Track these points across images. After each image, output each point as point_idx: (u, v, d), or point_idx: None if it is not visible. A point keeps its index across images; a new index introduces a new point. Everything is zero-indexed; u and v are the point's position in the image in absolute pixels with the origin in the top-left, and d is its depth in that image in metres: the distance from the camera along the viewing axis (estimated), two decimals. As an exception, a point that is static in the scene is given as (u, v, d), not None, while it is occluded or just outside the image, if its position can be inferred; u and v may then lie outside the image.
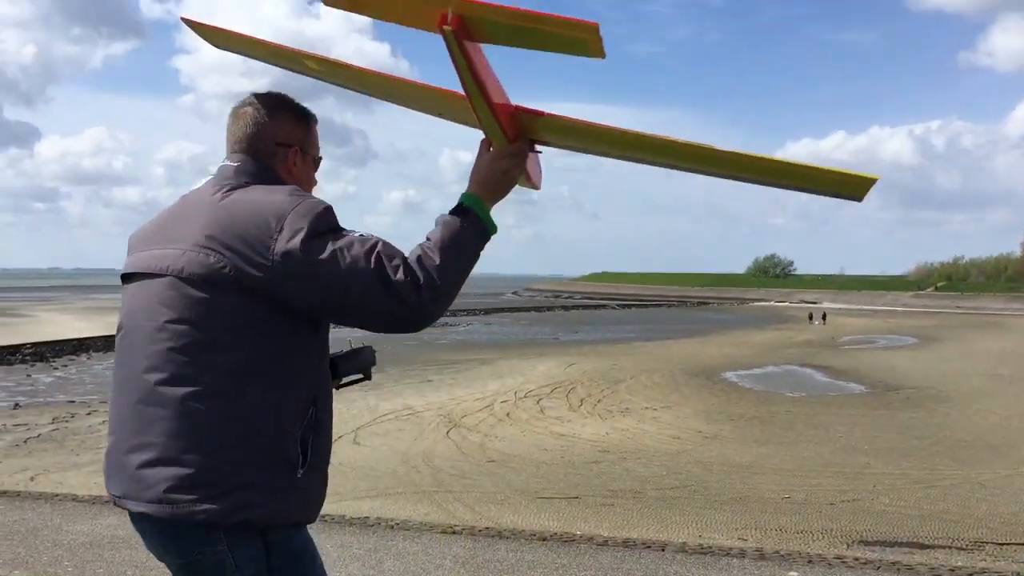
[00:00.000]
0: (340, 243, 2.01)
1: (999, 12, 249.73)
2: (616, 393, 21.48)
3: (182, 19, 2.71)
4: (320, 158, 2.39)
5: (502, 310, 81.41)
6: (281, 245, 1.99)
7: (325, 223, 2.04)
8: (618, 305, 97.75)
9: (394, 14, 2.02)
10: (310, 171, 2.35)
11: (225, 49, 2.82)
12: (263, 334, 2.04)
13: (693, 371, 27.09)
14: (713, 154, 2.15)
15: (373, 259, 1.99)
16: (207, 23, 2.68)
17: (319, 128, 2.41)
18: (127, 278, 2.24)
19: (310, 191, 2.30)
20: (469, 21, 1.90)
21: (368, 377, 2.44)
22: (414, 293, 2.01)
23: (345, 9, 2.00)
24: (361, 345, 2.44)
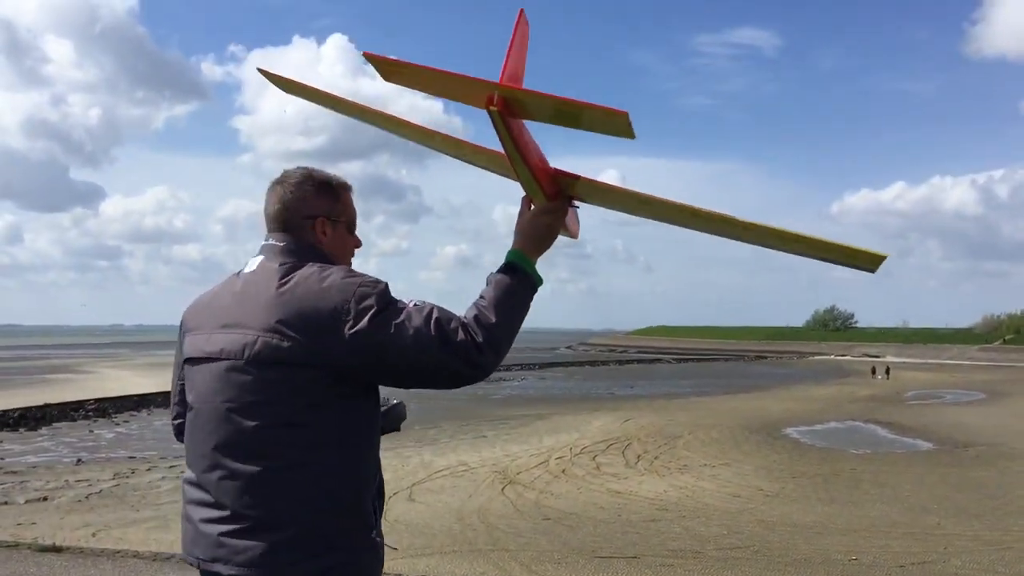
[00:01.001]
0: (401, 317, 2.18)
1: None
2: (673, 449, 21.12)
3: (258, 69, 3.08)
4: (354, 222, 2.56)
5: (556, 365, 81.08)
6: (350, 327, 2.16)
7: (384, 301, 2.21)
8: (673, 359, 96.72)
9: (446, 92, 2.34)
10: (343, 237, 2.51)
11: (297, 95, 3.12)
12: (335, 408, 2.21)
13: (753, 427, 26.55)
14: (733, 222, 2.36)
15: (433, 325, 2.17)
16: (281, 75, 3.02)
17: (355, 192, 2.59)
18: (194, 360, 2.37)
19: (348, 255, 2.53)
20: (512, 102, 2.17)
21: (398, 430, 2.69)
22: (475, 352, 2.19)
23: (402, 85, 2.32)
24: (396, 401, 2.64)
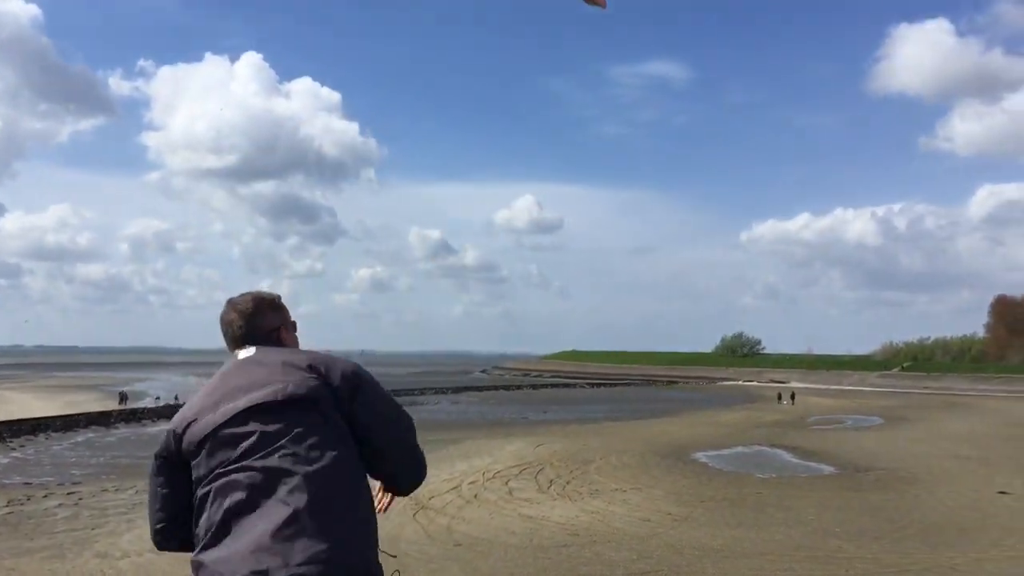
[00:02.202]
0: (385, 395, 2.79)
1: (957, 98, 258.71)
2: (585, 474, 21.24)
3: None
4: (295, 322, 3.02)
5: (470, 389, 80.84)
6: (357, 379, 2.70)
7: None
8: (587, 384, 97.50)
9: None
10: (293, 337, 2.99)
11: None
12: (350, 443, 2.63)
13: (663, 452, 26.92)
14: None
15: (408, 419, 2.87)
16: None
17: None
18: (216, 431, 2.58)
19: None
20: None
21: None
22: (423, 468, 3.03)
23: None
24: None
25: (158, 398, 56.78)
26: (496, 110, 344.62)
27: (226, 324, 2.90)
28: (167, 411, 46.66)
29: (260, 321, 2.89)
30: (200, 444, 2.60)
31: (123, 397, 52.93)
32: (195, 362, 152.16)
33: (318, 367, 2.66)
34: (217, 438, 2.58)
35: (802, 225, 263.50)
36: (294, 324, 3.02)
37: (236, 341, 2.88)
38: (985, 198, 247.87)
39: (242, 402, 2.60)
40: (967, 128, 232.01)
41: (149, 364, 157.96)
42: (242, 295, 2.96)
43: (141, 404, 51.45)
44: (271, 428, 2.54)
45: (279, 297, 3.02)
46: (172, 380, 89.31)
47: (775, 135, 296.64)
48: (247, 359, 2.77)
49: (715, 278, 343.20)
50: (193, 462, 2.60)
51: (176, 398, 53.30)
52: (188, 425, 2.65)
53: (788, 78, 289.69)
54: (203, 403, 2.68)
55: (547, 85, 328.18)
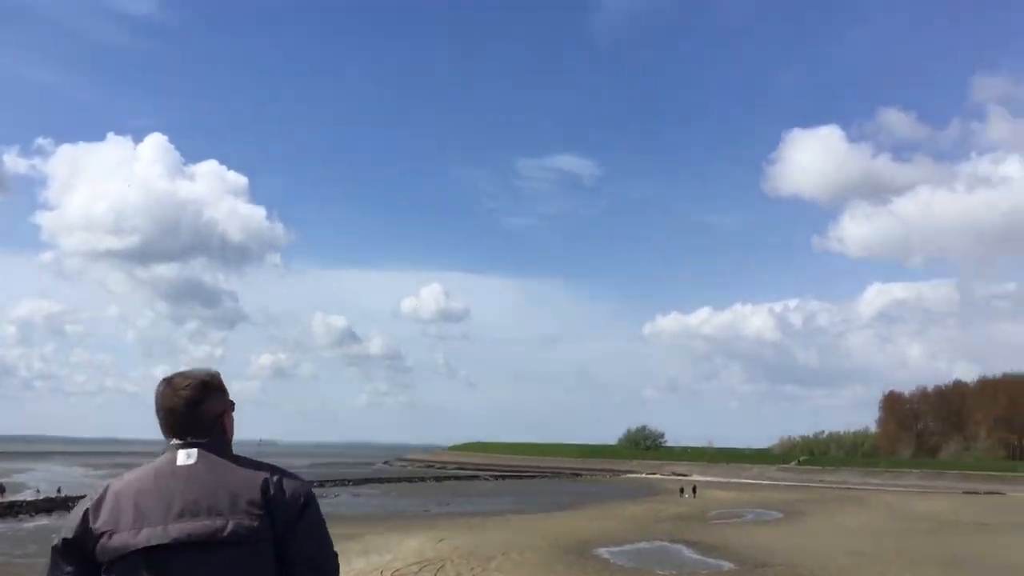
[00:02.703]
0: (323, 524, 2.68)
1: (848, 201, 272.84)
2: (486, 572, 20.79)
3: None
4: (233, 402, 2.82)
5: (372, 481, 79.04)
6: (302, 510, 2.57)
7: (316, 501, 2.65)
8: (492, 476, 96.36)
9: None
10: (231, 419, 2.79)
11: None
12: None
13: (566, 547, 26.62)
14: None
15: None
16: None
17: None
18: (148, 552, 2.40)
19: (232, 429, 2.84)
20: None
21: None
22: None
23: None
24: None
25: (39, 491, 53.71)
26: (406, 198, 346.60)
27: (167, 411, 2.63)
28: (48, 505, 44.05)
29: (206, 408, 2.65)
30: (113, 562, 2.40)
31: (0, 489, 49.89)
32: (83, 452, 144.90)
33: (268, 495, 2.49)
34: (134, 563, 2.39)
35: (703, 319, 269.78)
36: (232, 404, 2.81)
37: (175, 431, 2.63)
38: (874, 297, 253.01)
39: (173, 530, 2.40)
40: (857, 230, 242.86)
41: (32, 454, 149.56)
42: (184, 376, 2.70)
43: (20, 496, 48.52)
44: (198, 569, 2.38)
45: (220, 375, 2.80)
46: (56, 471, 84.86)
47: (677, 230, 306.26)
48: (189, 468, 2.54)
49: (619, 370, 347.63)
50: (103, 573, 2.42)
51: (59, 491, 50.49)
52: (103, 534, 2.41)
53: (690, 176, 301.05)
54: (127, 511, 2.45)
55: (457, 175, 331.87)
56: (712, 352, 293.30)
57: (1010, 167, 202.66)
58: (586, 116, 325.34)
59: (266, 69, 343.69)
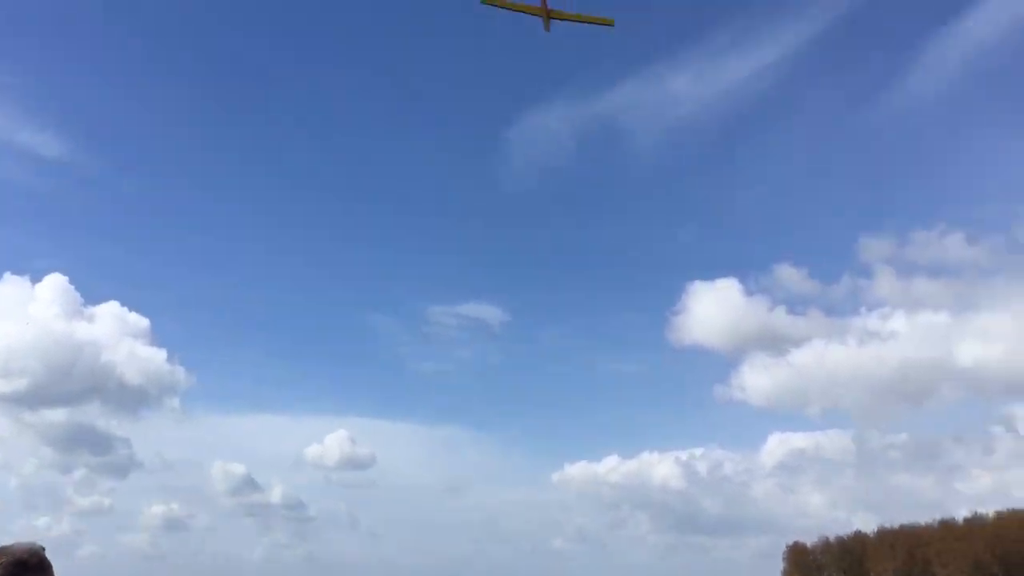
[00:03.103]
0: None
1: (748, 351, 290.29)
2: None
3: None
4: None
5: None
6: None
7: None
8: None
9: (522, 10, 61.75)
10: None
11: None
12: None
13: None
14: None
15: None
16: None
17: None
18: None
19: None
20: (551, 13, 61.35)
21: None
22: None
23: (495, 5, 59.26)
24: None
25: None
26: (312, 342, 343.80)
27: None
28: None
29: None
30: None
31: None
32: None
33: None
34: None
35: (611, 467, 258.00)
36: None
37: None
38: (776, 447, 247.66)
39: None
40: (757, 380, 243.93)
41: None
42: (2, 552, 2.80)
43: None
44: None
45: (43, 551, 2.89)
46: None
47: (585, 378, 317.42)
48: None
49: (528, 519, 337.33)
50: None
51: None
52: None
53: (597, 325, 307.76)
54: None
55: (366, 320, 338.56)
56: (620, 500, 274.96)
57: (897, 323, 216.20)
58: (496, 264, 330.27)
59: (173, 211, 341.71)
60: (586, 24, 67.39)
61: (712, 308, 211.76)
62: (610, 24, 68.52)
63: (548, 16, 64.30)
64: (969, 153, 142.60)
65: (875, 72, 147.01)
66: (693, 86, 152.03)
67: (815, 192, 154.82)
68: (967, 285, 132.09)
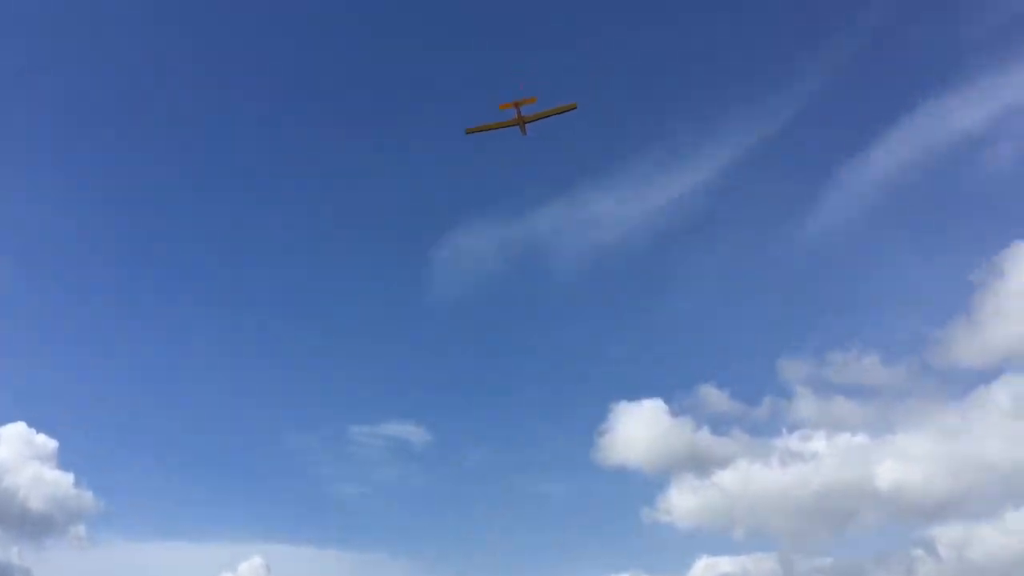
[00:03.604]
0: None
1: (674, 472, 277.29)
2: None
3: (467, 131, 39.37)
4: None
5: None
6: None
7: None
8: None
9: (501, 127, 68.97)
10: None
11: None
12: None
13: None
14: None
15: None
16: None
17: None
18: None
19: None
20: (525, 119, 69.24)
21: None
22: None
23: (482, 132, 46.29)
24: None
25: None
26: (228, 464, 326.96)
27: None
28: None
29: None
30: None
31: None
32: None
33: None
34: None
35: None
36: None
37: None
38: (703, 571, 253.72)
39: None
40: (683, 501, 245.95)
41: None
42: None
43: None
44: None
45: None
46: None
47: (509, 500, 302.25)
48: None
49: None
50: None
51: None
52: None
53: (522, 445, 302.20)
54: None
55: (285, 442, 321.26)
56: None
57: (818, 444, 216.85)
58: (420, 383, 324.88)
59: (85, 327, 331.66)
60: (554, 117, 73.87)
61: (638, 429, 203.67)
62: (574, 108, 74.30)
63: (523, 124, 72.85)
64: (881, 277, 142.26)
65: (791, 198, 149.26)
66: (618, 208, 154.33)
67: (736, 314, 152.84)
68: (884, 406, 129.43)
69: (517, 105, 72.75)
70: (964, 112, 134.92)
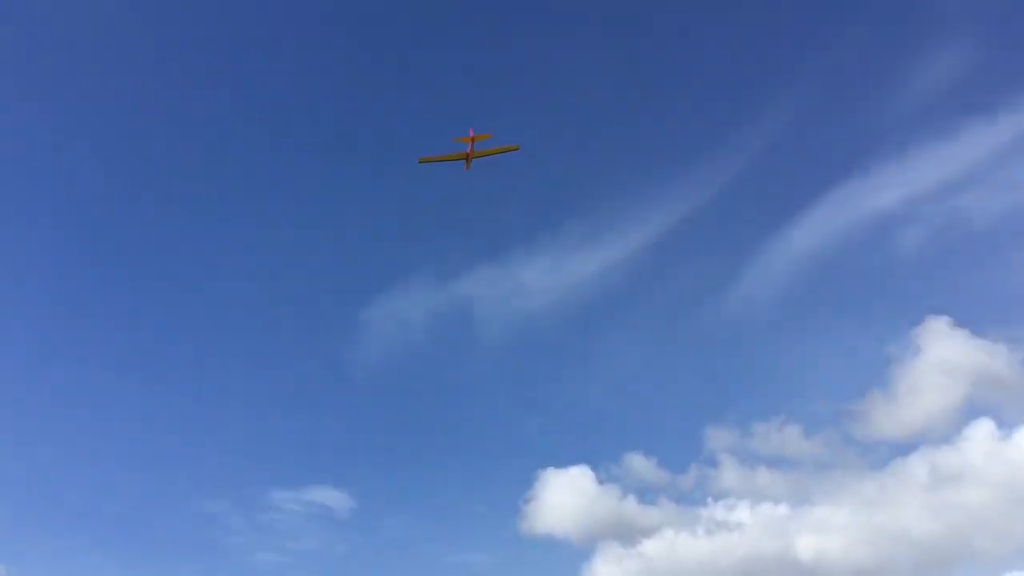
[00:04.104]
0: None
1: (600, 540, 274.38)
2: None
3: (420, 160, 45.45)
4: None
5: None
6: None
7: None
8: None
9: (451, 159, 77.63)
10: None
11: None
12: None
13: None
14: None
15: None
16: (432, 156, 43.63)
17: None
18: None
19: None
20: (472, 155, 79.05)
21: None
22: None
23: (433, 162, 55.15)
24: None
25: None
26: (139, 531, 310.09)
27: None
28: None
29: None
30: None
31: None
32: None
33: None
34: None
35: None
36: None
37: None
38: None
39: None
40: (609, 570, 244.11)
41: None
42: None
43: None
44: None
45: None
46: None
47: (432, 570, 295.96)
48: None
49: None
50: None
51: None
52: None
53: (445, 514, 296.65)
54: None
55: (200, 507, 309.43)
56: None
57: (742, 513, 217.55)
58: (344, 448, 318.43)
59: None
60: (497, 155, 78.73)
61: (564, 496, 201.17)
62: (517, 149, 79.25)
63: (470, 159, 77.36)
64: (802, 350, 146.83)
65: (713, 273, 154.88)
66: (545, 277, 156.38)
67: (662, 383, 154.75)
68: (805, 477, 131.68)
69: (472, 140, 76.84)
70: (878, 194, 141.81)
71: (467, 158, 77.63)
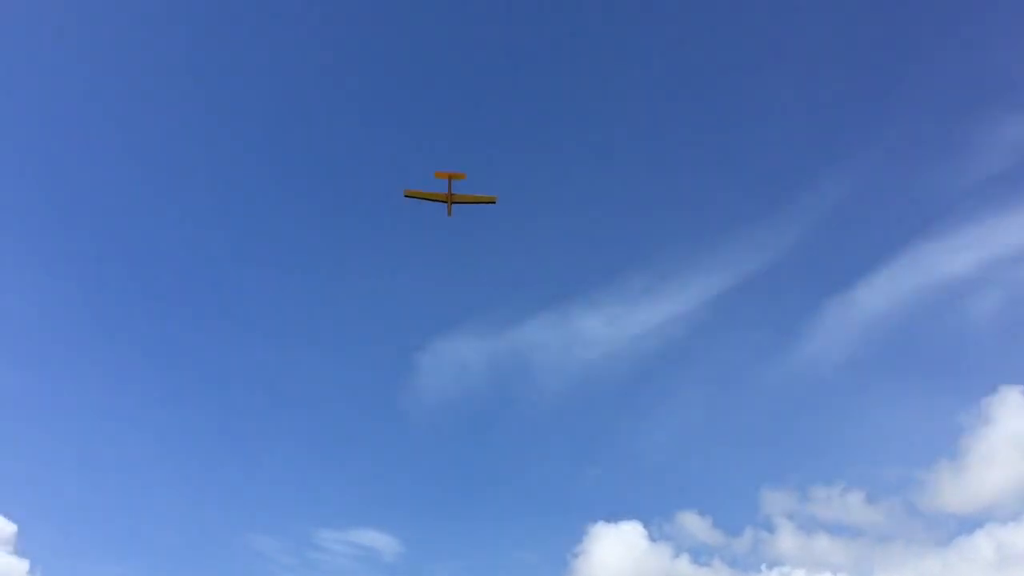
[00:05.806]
0: None
1: None
2: None
3: (406, 193, 35.40)
4: None
5: None
6: None
7: None
8: None
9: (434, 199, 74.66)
10: None
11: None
12: None
13: None
14: None
15: None
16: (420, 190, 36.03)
17: None
18: None
19: None
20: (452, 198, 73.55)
21: None
22: None
23: (417, 198, 42.85)
24: None
25: None
26: (188, 563, 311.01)
27: None
28: None
29: None
30: None
31: None
32: None
33: None
34: None
35: None
36: None
37: None
38: None
39: None
40: None
41: None
42: None
43: None
44: None
45: None
46: None
47: None
48: None
49: None
50: None
51: None
52: None
53: (493, 563, 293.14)
54: None
55: (252, 543, 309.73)
56: None
57: None
58: (394, 491, 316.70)
59: (56, 407, 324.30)
60: (475, 204, 76.12)
61: (615, 552, 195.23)
62: (493, 202, 76.43)
63: (451, 202, 74.87)
64: (867, 415, 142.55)
65: (776, 332, 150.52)
66: (605, 328, 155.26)
67: (719, 442, 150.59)
68: (867, 546, 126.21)
69: (449, 177, 74.52)
70: (952, 257, 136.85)
71: (448, 202, 75.51)
